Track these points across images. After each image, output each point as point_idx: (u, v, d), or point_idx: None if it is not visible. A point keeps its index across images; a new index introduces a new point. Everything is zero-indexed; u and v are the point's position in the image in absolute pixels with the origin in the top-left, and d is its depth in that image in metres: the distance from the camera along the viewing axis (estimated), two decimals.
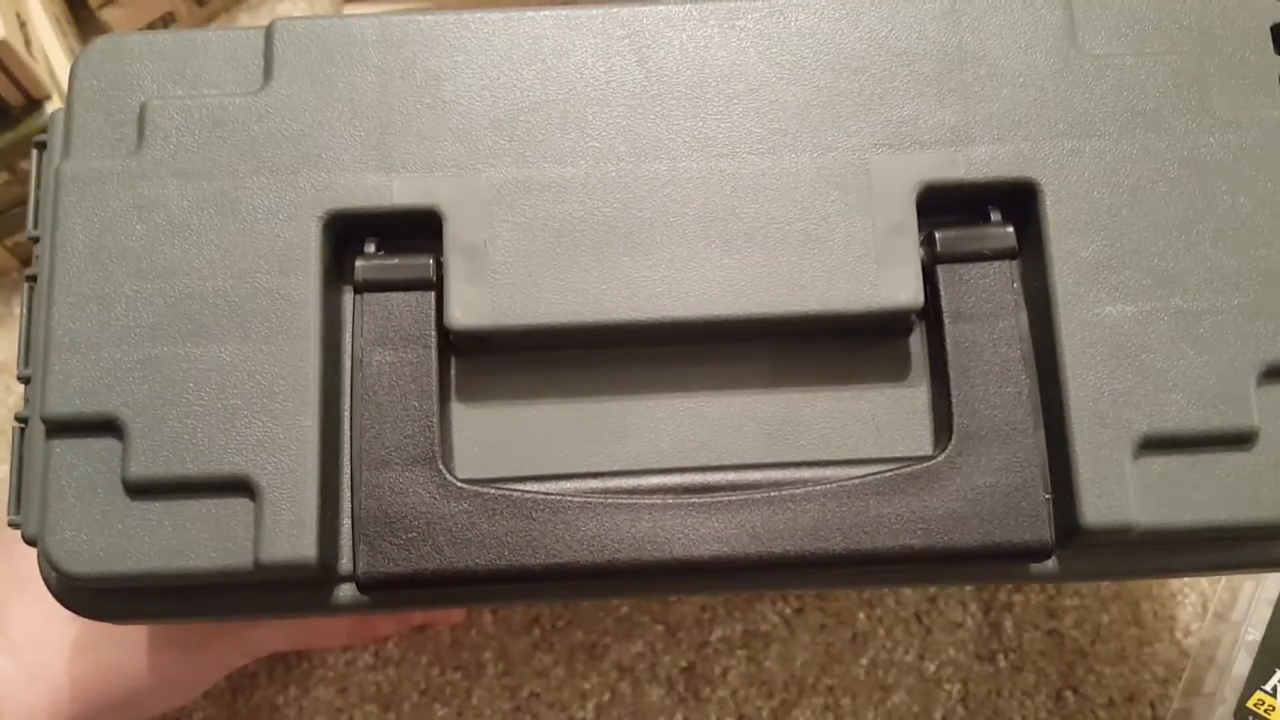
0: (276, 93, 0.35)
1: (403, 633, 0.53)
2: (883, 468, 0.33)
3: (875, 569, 0.34)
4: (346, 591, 0.34)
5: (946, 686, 0.52)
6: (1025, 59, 0.35)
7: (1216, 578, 0.53)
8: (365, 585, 0.33)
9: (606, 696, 0.52)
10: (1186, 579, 0.53)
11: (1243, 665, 0.49)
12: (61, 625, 0.46)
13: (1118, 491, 0.33)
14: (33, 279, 0.37)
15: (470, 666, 0.53)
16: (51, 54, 0.54)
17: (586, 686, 0.52)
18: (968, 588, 0.53)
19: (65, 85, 0.53)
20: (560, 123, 0.35)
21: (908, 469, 0.33)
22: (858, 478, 0.33)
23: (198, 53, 0.36)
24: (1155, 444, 0.33)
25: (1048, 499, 0.33)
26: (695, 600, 0.53)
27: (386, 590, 0.33)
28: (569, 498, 0.33)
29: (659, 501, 0.33)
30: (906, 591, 0.53)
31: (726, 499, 0.33)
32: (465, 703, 0.52)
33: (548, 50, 0.35)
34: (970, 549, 0.33)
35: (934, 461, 0.33)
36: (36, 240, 0.37)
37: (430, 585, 0.33)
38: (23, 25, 0.51)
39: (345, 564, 0.34)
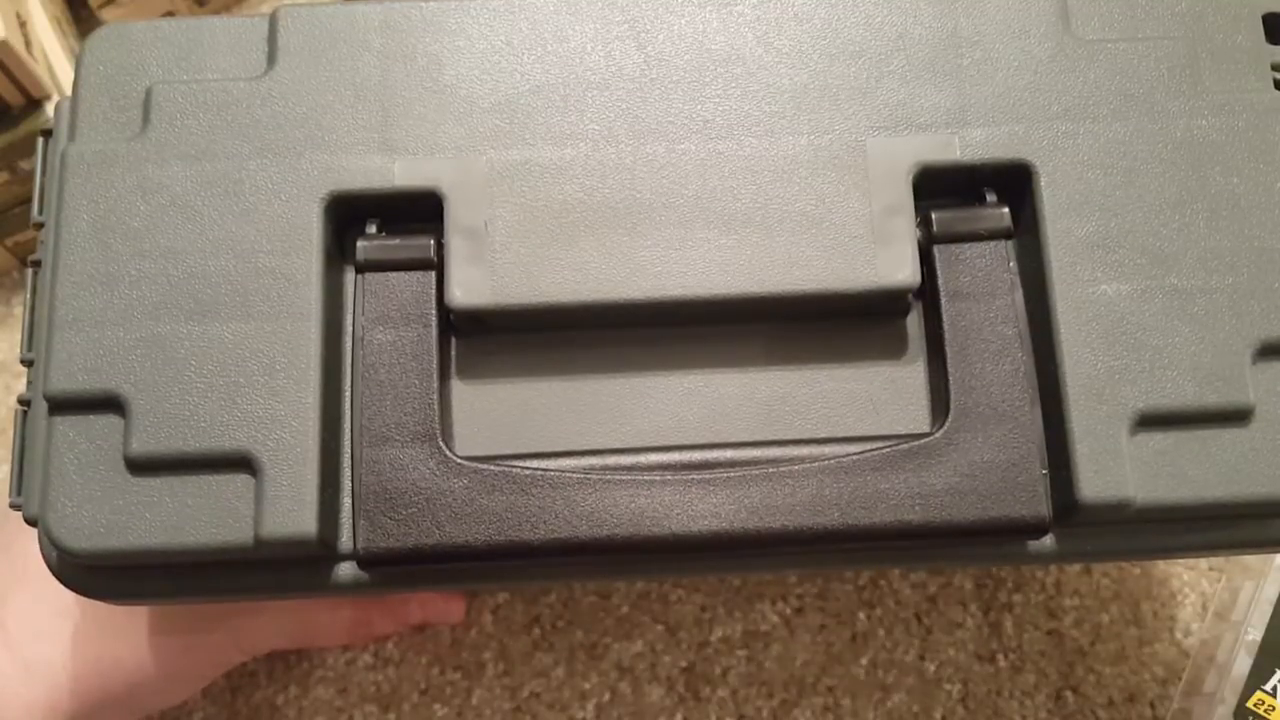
0: (280, 77, 0.36)
1: (402, 632, 0.53)
2: (881, 445, 0.33)
3: (873, 546, 0.34)
4: (347, 570, 0.34)
5: (946, 686, 0.52)
6: (1019, 44, 0.36)
7: (1217, 577, 0.53)
8: (365, 561, 0.33)
9: (606, 696, 0.52)
10: (1187, 580, 0.53)
11: (1242, 665, 0.49)
12: (60, 620, 0.46)
13: (1115, 467, 0.33)
14: (37, 264, 0.37)
15: (470, 666, 0.53)
16: (52, 54, 0.54)
17: (586, 686, 0.52)
18: (968, 587, 0.53)
19: (65, 86, 0.54)
20: (560, 106, 0.35)
21: (905, 445, 0.33)
22: (856, 454, 0.33)
23: (203, 39, 0.37)
24: (1152, 421, 0.33)
25: (1045, 474, 0.33)
26: (695, 600, 0.53)
27: (386, 566, 0.33)
28: (568, 474, 0.33)
29: (657, 477, 0.33)
30: (906, 591, 0.53)
31: (725, 475, 0.33)
32: (465, 703, 0.52)
33: (547, 35, 0.36)
34: (968, 524, 0.33)
35: (932, 438, 0.33)
36: (41, 226, 0.37)
37: (430, 561, 0.33)
38: (23, 25, 0.52)
39: (345, 542, 0.34)
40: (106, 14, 0.58)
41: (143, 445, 0.33)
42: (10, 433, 0.54)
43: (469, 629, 0.53)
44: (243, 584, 0.35)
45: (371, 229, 0.35)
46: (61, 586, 0.46)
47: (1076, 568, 0.53)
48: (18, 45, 0.49)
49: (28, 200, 0.55)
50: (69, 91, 0.37)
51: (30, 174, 0.54)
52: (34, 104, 0.52)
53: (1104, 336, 0.34)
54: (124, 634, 0.46)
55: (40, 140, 0.38)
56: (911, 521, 0.33)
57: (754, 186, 0.35)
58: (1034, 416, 0.34)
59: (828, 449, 0.34)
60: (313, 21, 0.36)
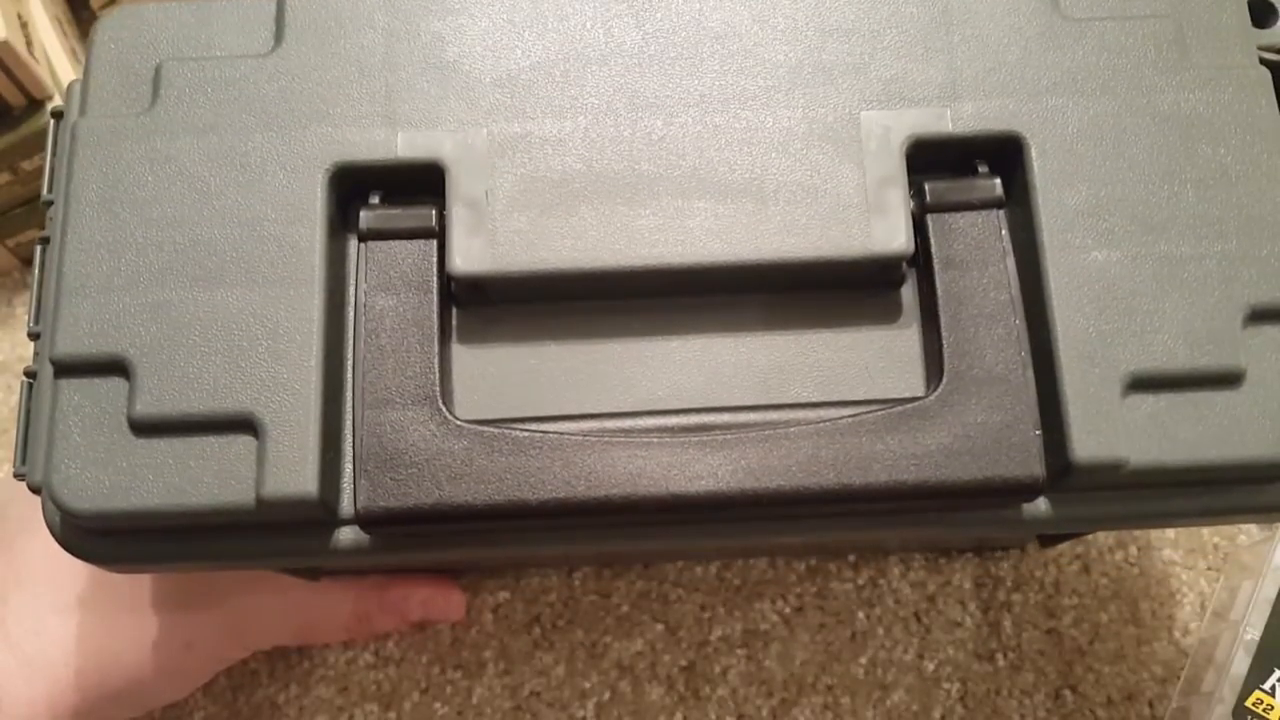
0: (286, 54, 0.37)
1: (403, 631, 0.53)
2: (876, 408, 0.34)
3: (868, 508, 0.34)
4: (347, 534, 0.35)
5: (945, 685, 0.52)
6: (1009, 22, 0.37)
7: (1215, 576, 0.53)
8: (365, 521, 0.33)
9: (606, 695, 0.52)
10: (1185, 579, 0.53)
11: (1241, 664, 0.49)
12: (61, 618, 0.46)
13: (1108, 428, 0.33)
14: (45, 240, 0.38)
15: (470, 665, 0.53)
16: (53, 55, 0.55)
17: (586, 685, 0.52)
18: (967, 586, 0.53)
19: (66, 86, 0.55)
20: (560, 80, 0.36)
21: (900, 408, 0.34)
22: (851, 416, 0.34)
23: (212, 19, 0.37)
24: (1144, 383, 0.34)
25: (1038, 435, 0.33)
26: (695, 599, 0.53)
27: (385, 526, 0.34)
28: (567, 436, 0.33)
29: (655, 440, 0.33)
30: (905, 590, 0.53)
31: (722, 437, 0.33)
32: (465, 701, 0.52)
33: (548, 13, 0.37)
34: (962, 484, 0.33)
35: (926, 400, 0.34)
36: (50, 204, 0.38)
37: (429, 520, 0.33)
38: (24, 26, 0.52)
39: (346, 507, 0.34)
40: (107, 15, 0.59)
41: (146, 407, 0.34)
42: (11, 433, 0.55)
43: (469, 628, 0.53)
44: (244, 549, 0.35)
45: (374, 200, 0.36)
46: (61, 584, 0.47)
47: (1075, 567, 0.53)
48: (19, 46, 0.50)
49: (29, 201, 0.56)
50: None
51: (31, 174, 0.55)
52: (35, 104, 0.52)
53: (1095, 301, 0.34)
54: (125, 631, 0.46)
55: (51, 121, 0.39)
56: (906, 481, 0.33)
57: (750, 158, 0.35)
58: (1027, 379, 0.34)
59: (824, 413, 0.34)
60: (319, 1, 0.37)
